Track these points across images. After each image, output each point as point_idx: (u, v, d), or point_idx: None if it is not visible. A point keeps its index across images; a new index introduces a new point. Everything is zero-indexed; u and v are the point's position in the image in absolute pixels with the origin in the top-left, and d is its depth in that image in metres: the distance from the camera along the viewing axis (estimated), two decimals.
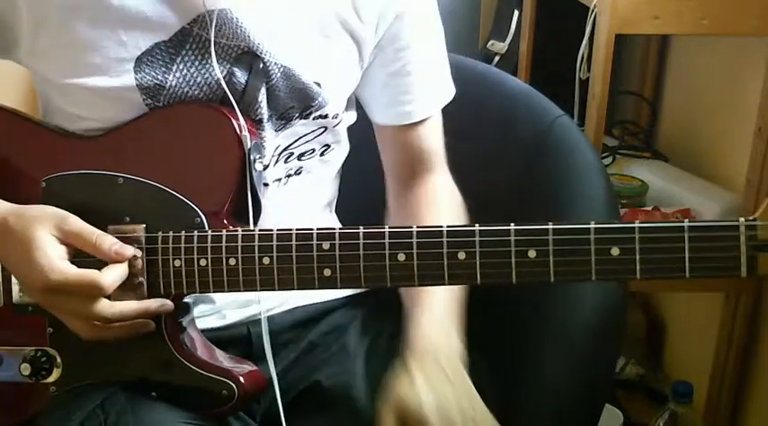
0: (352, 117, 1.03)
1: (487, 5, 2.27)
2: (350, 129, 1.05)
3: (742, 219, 0.74)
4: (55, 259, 0.81)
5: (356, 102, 1.05)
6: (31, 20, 0.87)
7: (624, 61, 1.93)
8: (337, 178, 1.07)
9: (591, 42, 1.49)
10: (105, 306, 0.82)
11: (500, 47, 2.15)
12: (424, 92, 1.02)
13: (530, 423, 1.01)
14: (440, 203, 1.02)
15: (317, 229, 0.82)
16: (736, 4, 1.39)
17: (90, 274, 0.81)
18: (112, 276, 0.82)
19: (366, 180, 1.10)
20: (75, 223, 0.83)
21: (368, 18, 0.95)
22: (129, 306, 0.83)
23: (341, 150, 1.03)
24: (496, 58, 2.15)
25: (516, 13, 2.10)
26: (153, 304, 0.85)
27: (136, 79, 0.88)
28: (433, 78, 1.03)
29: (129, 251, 0.84)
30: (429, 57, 1.02)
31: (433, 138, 1.05)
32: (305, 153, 0.98)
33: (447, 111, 1.07)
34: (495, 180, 1.20)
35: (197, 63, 0.89)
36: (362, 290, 1.06)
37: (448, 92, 1.05)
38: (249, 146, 0.87)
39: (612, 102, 1.58)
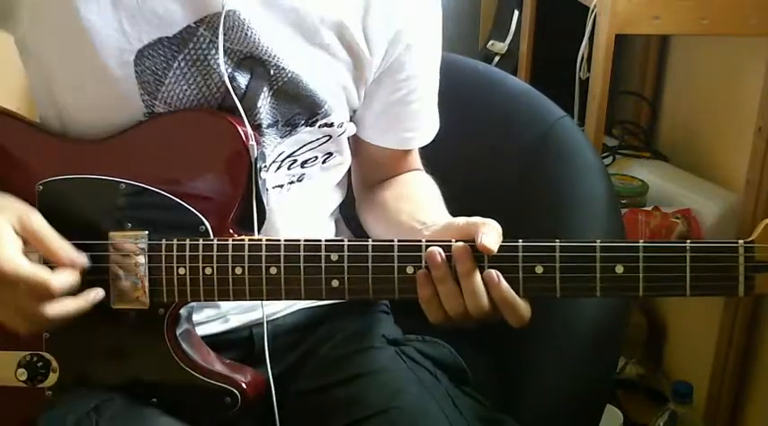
0: (352, 128, 1.03)
1: (487, 5, 2.27)
2: None
3: (741, 241, 0.77)
4: (10, 249, 0.79)
5: None
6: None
7: (624, 61, 1.93)
8: (342, 187, 1.07)
9: (591, 42, 1.48)
10: (48, 307, 0.80)
11: (500, 47, 2.15)
12: (425, 120, 1.04)
13: (530, 423, 1.01)
14: (423, 184, 1.05)
15: (326, 240, 0.83)
16: (736, 4, 1.39)
17: (43, 274, 0.79)
18: (63, 280, 0.81)
19: None
20: (38, 220, 0.82)
21: (377, 45, 0.95)
22: (69, 305, 0.82)
23: (342, 160, 1.03)
24: (496, 58, 2.15)
25: (516, 13, 2.10)
26: (89, 295, 0.83)
27: (135, 72, 0.87)
28: (431, 108, 1.05)
29: (83, 259, 0.84)
30: (431, 87, 1.04)
31: (415, 160, 1.08)
32: (308, 160, 0.98)
33: (449, 112, 1.07)
34: (497, 180, 1.20)
35: (198, 63, 0.88)
36: None
37: (437, 122, 1.07)
38: (256, 155, 0.87)
39: (612, 102, 1.58)
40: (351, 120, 1.01)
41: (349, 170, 1.07)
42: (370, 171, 1.08)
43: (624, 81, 1.97)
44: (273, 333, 0.97)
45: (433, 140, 1.07)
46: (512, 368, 1.09)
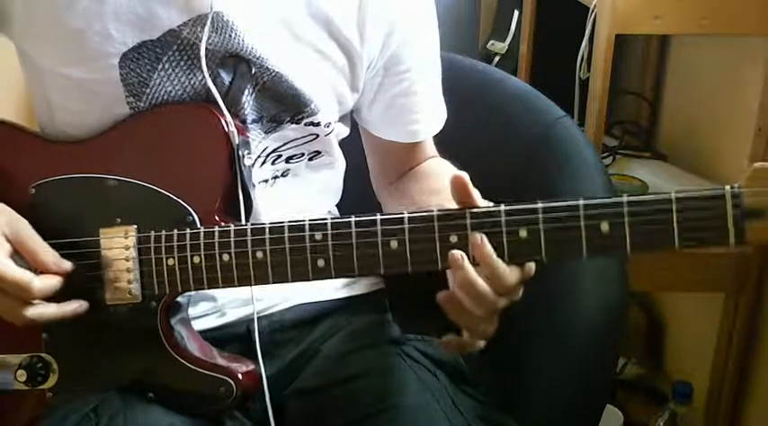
0: (344, 130, 1.03)
1: (487, 5, 2.27)
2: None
3: (727, 187, 0.73)
4: None
5: (351, 118, 1.05)
6: (23, 1, 0.88)
7: (624, 61, 1.93)
8: (336, 189, 1.08)
9: (591, 42, 1.49)
10: (29, 310, 0.83)
11: (500, 47, 2.15)
12: (429, 111, 1.04)
13: (530, 423, 1.01)
14: (446, 174, 1.03)
15: (309, 220, 0.82)
16: (737, 3, 1.40)
17: (28, 276, 0.82)
18: (45, 284, 0.83)
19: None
20: (26, 228, 0.85)
21: (372, 40, 0.95)
22: (50, 310, 0.84)
23: (332, 160, 1.03)
24: (496, 58, 2.15)
25: (516, 13, 2.10)
26: (71, 306, 0.86)
27: (120, 74, 0.88)
28: (435, 98, 1.05)
29: (67, 265, 0.85)
30: (433, 77, 1.04)
31: (429, 149, 1.08)
32: (293, 156, 0.99)
33: (449, 111, 1.07)
34: (496, 180, 1.20)
35: (182, 64, 0.89)
36: (367, 290, 1.06)
37: (445, 111, 1.07)
38: (237, 142, 0.88)
39: (612, 102, 1.58)
40: (340, 121, 1.01)
41: (347, 173, 1.07)
42: (388, 164, 1.08)
43: (624, 81, 1.97)
44: (272, 329, 0.97)
45: (434, 140, 1.07)
46: (512, 367, 1.09)
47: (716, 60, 1.69)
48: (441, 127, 1.06)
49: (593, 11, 1.47)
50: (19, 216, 0.86)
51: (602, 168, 1.15)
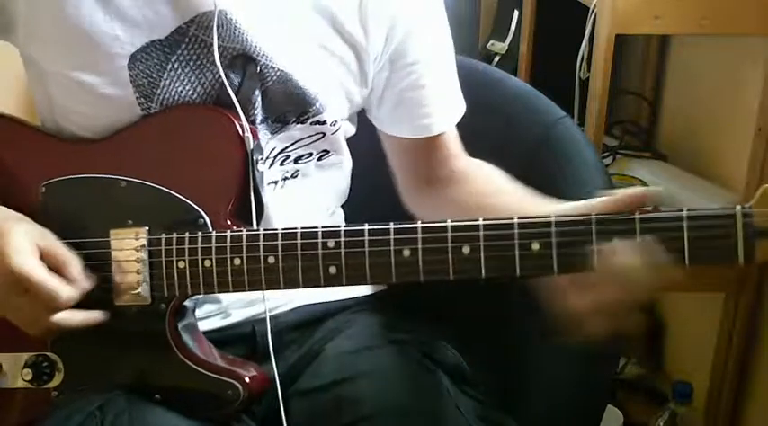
0: (351, 129, 1.03)
1: (487, 5, 2.27)
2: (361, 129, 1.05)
3: (738, 207, 0.74)
4: (27, 254, 0.81)
5: (357, 117, 1.05)
6: (26, 4, 0.88)
7: (624, 61, 1.94)
8: (344, 189, 1.07)
9: (591, 42, 1.49)
10: (55, 316, 0.82)
11: (500, 47, 2.15)
12: (440, 104, 1.02)
13: (530, 423, 1.01)
14: (503, 177, 1.01)
15: (322, 227, 0.82)
16: (737, 3, 1.40)
17: (56, 282, 0.81)
18: (72, 293, 0.83)
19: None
20: (53, 239, 0.85)
21: (375, 33, 0.95)
22: (76, 317, 0.84)
23: (340, 159, 1.03)
24: (496, 58, 2.15)
25: (516, 13, 2.11)
26: (94, 314, 0.85)
27: (130, 76, 0.88)
28: (447, 91, 1.03)
29: (88, 284, 0.85)
30: (441, 70, 1.02)
31: (453, 145, 1.05)
32: (302, 156, 0.98)
33: None
34: None
35: (191, 63, 0.89)
36: (369, 292, 1.06)
37: (461, 104, 1.05)
38: (252, 147, 0.87)
39: (612, 102, 1.58)
40: (347, 119, 1.01)
41: (354, 173, 1.06)
42: (417, 166, 1.06)
43: (624, 81, 1.97)
44: (276, 330, 0.97)
45: None
46: (512, 368, 1.09)
47: (716, 60, 1.69)
48: (456, 120, 1.04)
49: (593, 11, 1.47)
50: (44, 228, 0.86)
51: (602, 168, 1.15)
